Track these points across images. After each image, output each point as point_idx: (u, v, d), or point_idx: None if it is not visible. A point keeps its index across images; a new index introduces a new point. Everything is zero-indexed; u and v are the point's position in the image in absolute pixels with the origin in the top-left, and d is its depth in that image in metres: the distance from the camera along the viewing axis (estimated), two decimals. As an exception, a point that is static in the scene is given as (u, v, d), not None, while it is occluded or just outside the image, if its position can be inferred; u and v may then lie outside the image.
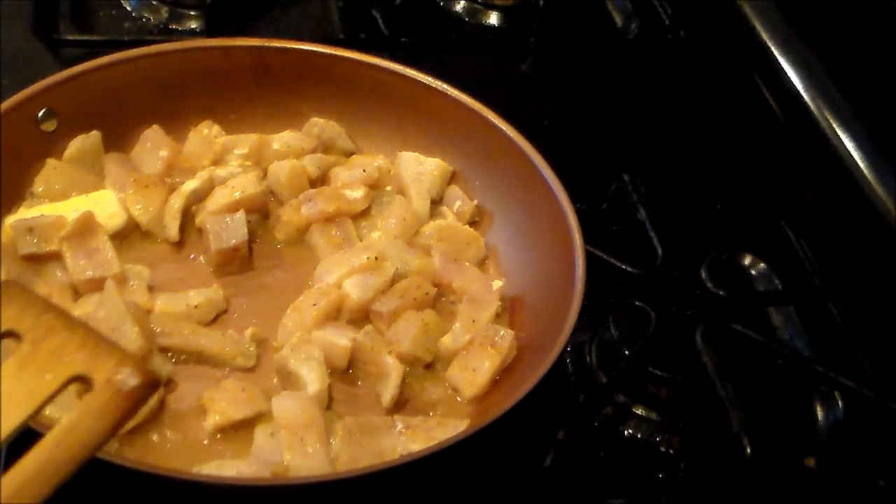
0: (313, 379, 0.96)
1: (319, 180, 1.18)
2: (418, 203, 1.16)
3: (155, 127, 1.16)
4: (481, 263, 1.14)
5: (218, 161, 1.16)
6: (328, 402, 0.98)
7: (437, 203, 1.19)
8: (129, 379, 0.63)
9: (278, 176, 1.15)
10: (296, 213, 1.13)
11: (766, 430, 1.05)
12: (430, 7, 1.60)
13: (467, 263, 1.12)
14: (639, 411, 1.06)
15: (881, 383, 1.11)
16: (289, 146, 1.18)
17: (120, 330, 0.93)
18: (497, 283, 1.09)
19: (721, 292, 1.16)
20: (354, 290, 1.05)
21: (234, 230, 1.08)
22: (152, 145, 1.15)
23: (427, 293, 1.06)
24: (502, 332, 1.02)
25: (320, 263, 1.09)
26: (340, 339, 1.01)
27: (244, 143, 1.18)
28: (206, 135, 1.18)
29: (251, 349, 1.01)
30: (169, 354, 0.99)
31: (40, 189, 1.09)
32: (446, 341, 1.03)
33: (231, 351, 1.00)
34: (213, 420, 0.93)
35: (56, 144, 1.11)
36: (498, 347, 1.00)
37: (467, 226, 1.16)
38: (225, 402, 0.94)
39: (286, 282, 1.10)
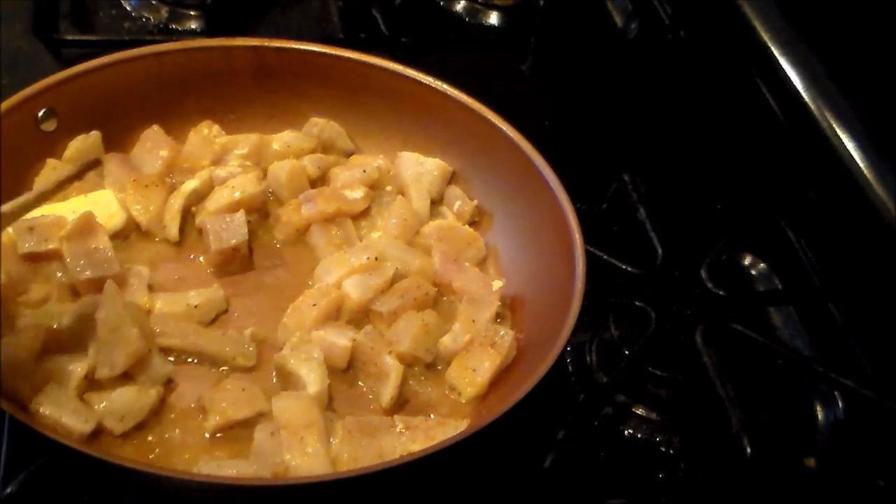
0: (313, 379, 0.96)
1: (319, 180, 1.18)
2: (418, 203, 1.16)
3: (155, 127, 1.16)
4: (481, 263, 1.14)
5: (218, 161, 1.16)
6: (328, 402, 0.98)
7: (437, 203, 1.19)
8: None
9: (278, 176, 1.15)
10: (296, 213, 1.13)
11: (766, 430, 1.05)
12: (430, 7, 1.60)
13: (467, 263, 1.12)
14: (639, 411, 1.06)
15: (881, 383, 1.11)
16: (289, 146, 1.18)
17: (120, 330, 0.93)
18: (497, 283, 1.09)
19: (721, 292, 1.17)
20: (354, 290, 1.05)
21: (234, 230, 1.08)
22: (152, 145, 1.15)
23: (427, 293, 1.06)
24: (502, 332, 1.02)
25: (320, 263, 1.09)
26: (340, 339, 1.01)
27: (244, 143, 1.18)
28: (206, 135, 1.18)
29: (251, 349, 1.01)
30: (169, 354, 0.99)
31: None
32: (446, 341, 1.03)
33: (231, 351, 1.00)
34: (213, 420, 0.93)
35: (56, 144, 1.11)
36: (498, 347, 1.00)
37: (467, 226, 1.16)
38: (225, 402, 0.94)
39: (286, 282, 1.10)
